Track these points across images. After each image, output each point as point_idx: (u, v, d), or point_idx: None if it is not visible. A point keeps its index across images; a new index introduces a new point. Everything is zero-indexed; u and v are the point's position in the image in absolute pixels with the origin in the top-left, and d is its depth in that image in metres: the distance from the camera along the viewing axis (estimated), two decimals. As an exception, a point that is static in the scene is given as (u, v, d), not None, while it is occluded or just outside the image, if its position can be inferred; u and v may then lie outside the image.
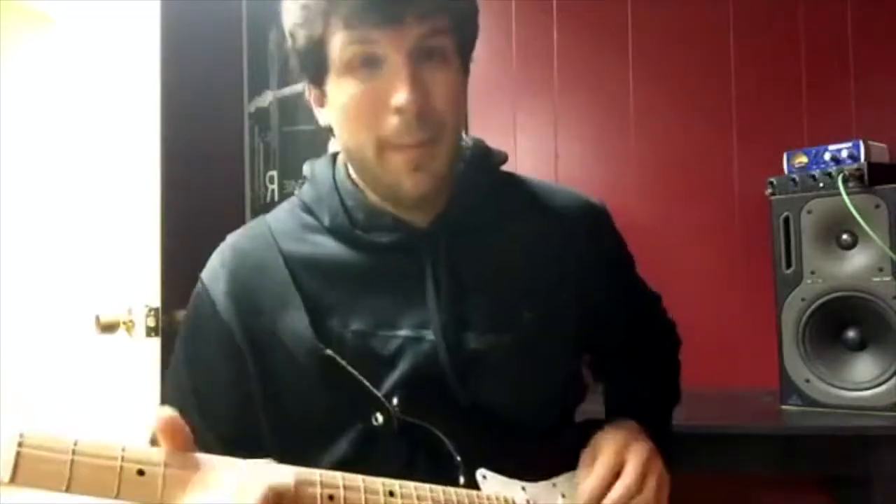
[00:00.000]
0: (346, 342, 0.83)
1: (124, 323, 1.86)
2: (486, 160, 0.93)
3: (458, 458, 0.81)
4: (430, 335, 0.83)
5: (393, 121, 0.78)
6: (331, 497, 0.67)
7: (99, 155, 1.94)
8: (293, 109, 2.30)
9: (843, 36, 1.85)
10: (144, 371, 1.83)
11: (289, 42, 0.85)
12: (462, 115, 0.85)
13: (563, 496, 0.85)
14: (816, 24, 1.87)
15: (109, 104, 1.93)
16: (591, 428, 0.93)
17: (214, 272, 0.88)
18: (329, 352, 0.81)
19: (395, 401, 0.80)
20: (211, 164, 2.24)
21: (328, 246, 0.87)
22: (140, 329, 1.85)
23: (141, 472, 0.60)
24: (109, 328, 1.86)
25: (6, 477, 0.56)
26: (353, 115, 0.80)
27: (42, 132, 1.99)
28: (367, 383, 0.80)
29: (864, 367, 1.48)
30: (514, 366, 0.86)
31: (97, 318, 1.86)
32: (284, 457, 0.79)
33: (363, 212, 0.87)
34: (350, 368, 0.80)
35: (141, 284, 1.85)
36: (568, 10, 1.99)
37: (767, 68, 1.89)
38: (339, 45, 0.78)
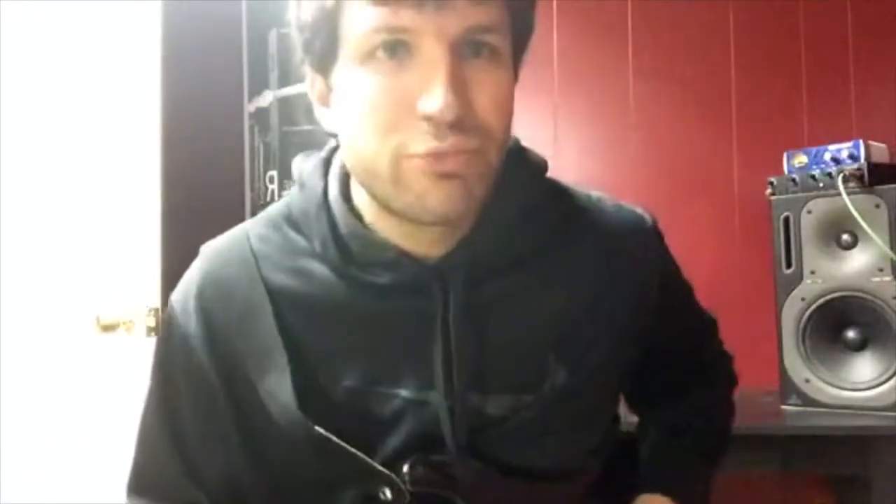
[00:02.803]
0: (336, 401, 0.68)
1: (124, 323, 1.86)
2: (524, 169, 0.73)
3: None
4: (435, 398, 0.68)
5: (420, 127, 0.60)
6: None
7: (99, 155, 1.94)
8: (293, 109, 2.30)
9: (843, 36, 1.85)
10: (144, 371, 1.83)
11: (292, 13, 0.66)
12: (510, 129, 0.66)
13: None
14: (816, 24, 1.87)
15: (110, 104, 1.93)
16: (618, 465, 0.82)
17: (187, 305, 0.73)
18: (319, 430, 0.66)
19: (405, 473, 0.67)
20: (211, 164, 2.24)
21: (319, 277, 0.70)
22: (140, 329, 1.85)
23: None
24: (109, 328, 1.86)
25: None
26: (368, 118, 0.61)
27: (42, 132, 1.99)
28: (369, 460, 0.67)
29: (864, 367, 1.48)
30: (538, 430, 0.70)
31: (97, 318, 1.86)
32: None
33: (359, 242, 0.68)
34: (347, 446, 0.66)
35: (141, 284, 1.85)
36: (568, 10, 1.99)
37: (767, 68, 1.89)
38: (359, 26, 0.60)
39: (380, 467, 0.67)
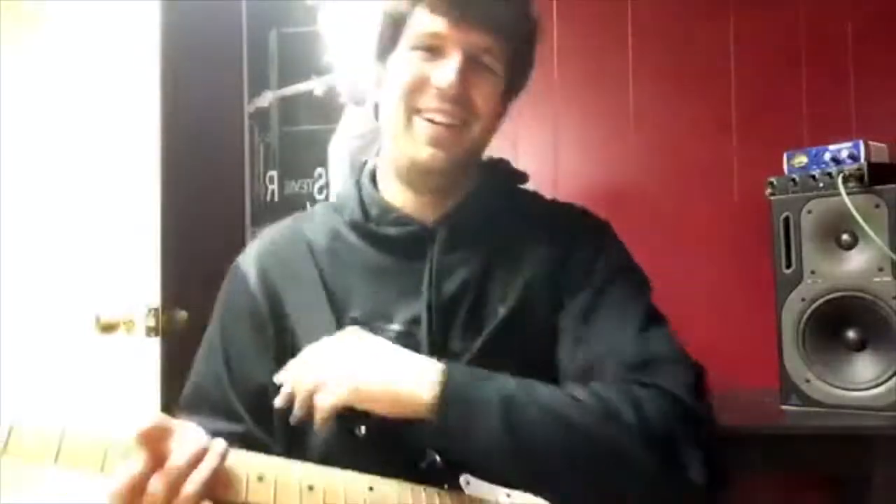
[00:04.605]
0: (343, 327, 0.86)
1: (124, 323, 1.86)
2: (503, 176, 1.03)
3: (440, 462, 0.80)
4: (419, 332, 0.89)
5: (431, 93, 0.89)
6: (259, 478, 0.72)
7: (98, 155, 1.94)
8: (293, 109, 2.30)
9: (843, 36, 1.85)
10: (144, 371, 1.83)
11: (380, 18, 0.96)
12: (492, 126, 0.95)
13: None
14: (816, 23, 1.87)
15: (109, 104, 1.93)
16: None
17: (248, 262, 0.97)
18: None
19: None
20: (211, 164, 2.24)
21: (347, 239, 0.96)
22: (140, 329, 1.85)
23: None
24: (109, 328, 1.86)
25: None
26: (402, 83, 0.90)
27: (41, 132, 1.99)
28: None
29: (864, 367, 1.48)
30: (487, 364, 0.83)
31: (97, 318, 1.86)
32: (285, 439, 0.88)
33: (377, 207, 0.96)
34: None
35: (141, 284, 1.85)
36: (568, 10, 1.99)
37: (767, 68, 1.89)
38: (417, 27, 0.90)
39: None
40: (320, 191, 2.25)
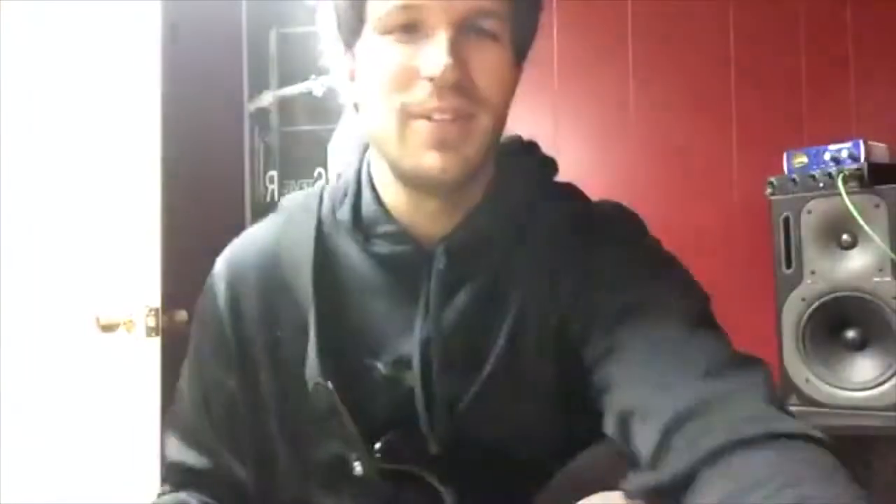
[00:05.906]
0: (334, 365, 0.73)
1: (124, 323, 1.86)
2: (527, 172, 0.81)
3: (448, 500, 0.70)
4: (410, 377, 0.72)
5: (423, 88, 0.66)
6: None
7: (99, 155, 1.94)
8: (293, 109, 2.30)
9: (843, 36, 1.85)
10: (144, 371, 1.83)
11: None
12: (507, 101, 0.73)
13: None
14: (816, 24, 1.87)
15: (110, 104, 1.93)
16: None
17: (220, 272, 0.83)
18: (330, 385, 0.71)
19: (377, 448, 0.71)
20: (211, 164, 2.24)
21: (343, 245, 0.77)
22: (140, 329, 1.85)
23: None
24: (109, 328, 1.86)
25: None
26: (381, 79, 0.68)
27: (42, 132, 1.99)
28: (353, 429, 0.70)
29: (864, 367, 1.48)
30: (491, 407, 0.72)
31: (97, 318, 1.86)
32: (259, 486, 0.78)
33: (372, 213, 0.75)
34: (342, 409, 0.70)
35: (141, 284, 1.85)
36: (568, 10, 1.99)
37: (767, 68, 1.89)
38: (383, 5, 0.67)
39: (358, 437, 0.70)
40: (320, 191, 2.25)
